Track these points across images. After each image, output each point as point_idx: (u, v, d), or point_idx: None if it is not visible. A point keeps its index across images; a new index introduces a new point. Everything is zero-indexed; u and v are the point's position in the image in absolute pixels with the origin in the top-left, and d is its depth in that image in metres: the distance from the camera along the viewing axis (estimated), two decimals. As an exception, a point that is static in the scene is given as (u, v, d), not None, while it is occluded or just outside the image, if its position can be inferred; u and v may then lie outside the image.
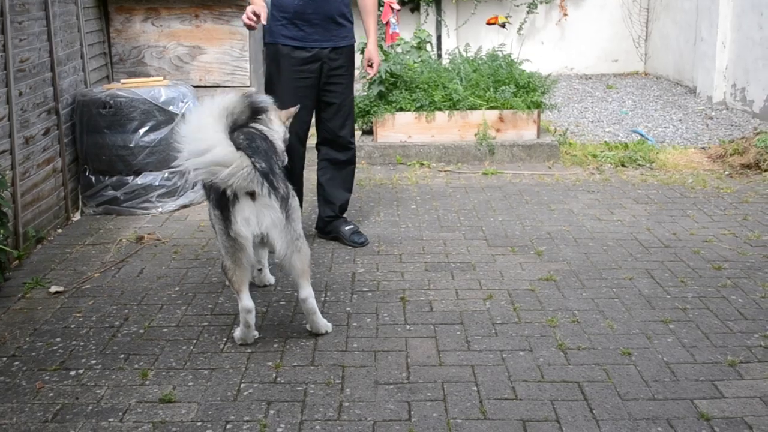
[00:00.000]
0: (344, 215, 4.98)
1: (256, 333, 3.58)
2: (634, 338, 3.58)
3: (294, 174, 4.59)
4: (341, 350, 3.51)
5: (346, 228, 4.88)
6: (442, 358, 3.42)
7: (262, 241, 3.46)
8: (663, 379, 3.23)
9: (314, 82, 4.58)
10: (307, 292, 3.55)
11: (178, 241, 4.99)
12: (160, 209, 5.58)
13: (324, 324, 3.66)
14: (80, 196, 5.68)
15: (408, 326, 3.73)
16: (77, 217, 5.58)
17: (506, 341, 3.57)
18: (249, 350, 3.52)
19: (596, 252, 4.67)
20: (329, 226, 4.93)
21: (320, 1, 4.46)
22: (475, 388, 3.17)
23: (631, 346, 3.50)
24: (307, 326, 3.66)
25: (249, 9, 4.26)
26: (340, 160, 4.85)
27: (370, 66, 4.84)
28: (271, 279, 4.28)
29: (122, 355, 3.50)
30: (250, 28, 4.28)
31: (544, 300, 4.00)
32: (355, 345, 3.56)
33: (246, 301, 3.46)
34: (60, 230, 5.28)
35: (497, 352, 3.46)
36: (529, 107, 6.90)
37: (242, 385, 3.23)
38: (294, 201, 3.50)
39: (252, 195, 3.31)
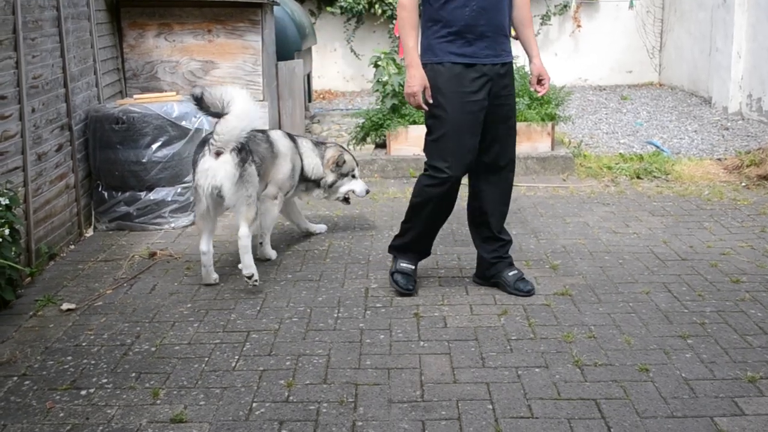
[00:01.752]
0: (509, 255, 4.30)
1: (215, 276, 4.46)
2: (652, 354, 3.51)
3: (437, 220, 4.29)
4: (354, 368, 3.46)
5: (510, 274, 4.20)
6: (456, 376, 3.36)
7: (220, 195, 4.24)
8: (682, 395, 3.17)
9: (485, 104, 3.93)
10: (243, 231, 4.28)
11: (191, 257, 4.96)
12: (172, 225, 5.57)
13: (250, 263, 4.28)
14: (93, 212, 5.67)
15: (422, 342, 3.68)
16: (90, 233, 5.57)
17: (521, 358, 3.51)
18: (261, 368, 3.48)
19: (612, 266, 4.60)
20: (492, 269, 4.24)
21: (491, 11, 3.83)
22: (491, 407, 3.12)
23: (649, 362, 3.44)
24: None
25: (416, 84, 3.90)
26: (499, 165, 4.15)
27: (540, 83, 4.13)
28: (272, 254, 4.85)
29: (133, 374, 3.47)
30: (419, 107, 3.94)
31: (560, 315, 3.94)
32: (368, 362, 3.51)
33: (202, 245, 4.39)
34: (73, 246, 5.26)
35: (512, 369, 3.40)
36: (543, 119, 6.85)
37: (254, 404, 3.19)
38: (252, 169, 4.34)
39: (218, 154, 4.21)
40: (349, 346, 3.66)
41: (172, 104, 5.54)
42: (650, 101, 10.00)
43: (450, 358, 3.53)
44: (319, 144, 5.20)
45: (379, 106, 7.07)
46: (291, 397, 3.23)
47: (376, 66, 6.80)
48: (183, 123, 5.52)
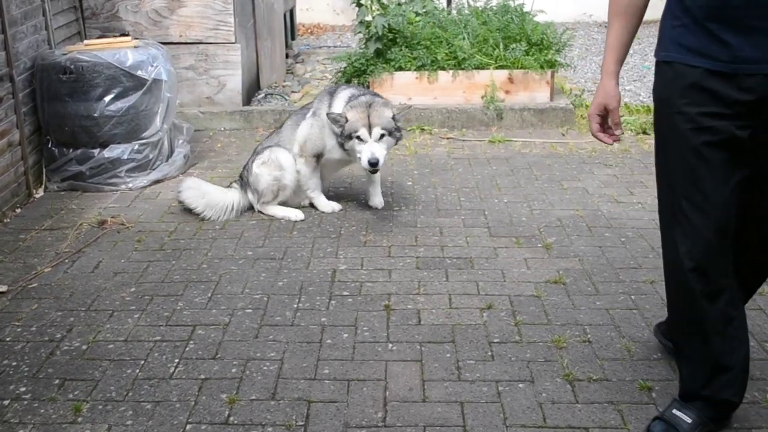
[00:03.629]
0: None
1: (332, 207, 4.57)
2: (656, 367, 3.02)
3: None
4: (309, 378, 2.98)
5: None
6: (426, 391, 2.88)
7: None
8: (689, 424, 2.67)
9: (743, 138, 2.35)
10: None
11: (144, 225, 4.45)
12: (129, 185, 5.04)
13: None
14: (44, 170, 5.12)
15: (390, 345, 3.19)
16: (40, 193, 5.04)
17: (504, 368, 3.02)
18: (202, 376, 3.00)
19: (613, 245, 4.08)
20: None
21: None
22: (464, 436, 2.64)
23: (652, 377, 2.95)
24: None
25: (594, 102, 2.65)
26: None
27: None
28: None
29: (57, 381, 3.00)
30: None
31: (551, 310, 3.44)
32: (326, 370, 3.02)
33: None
34: (19, 210, 4.75)
35: (492, 384, 2.92)
36: (542, 67, 6.24)
37: (188, 426, 2.72)
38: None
39: None
40: (306, 348, 3.17)
41: (126, 51, 4.94)
42: (659, 41, 9.32)
43: (421, 366, 3.05)
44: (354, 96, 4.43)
45: (361, 50, 6.42)
46: (231, 418, 2.76)
47: (359, 5, 6.14)
48: (138, 73, 4.93)
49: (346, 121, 4.19)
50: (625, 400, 2.82)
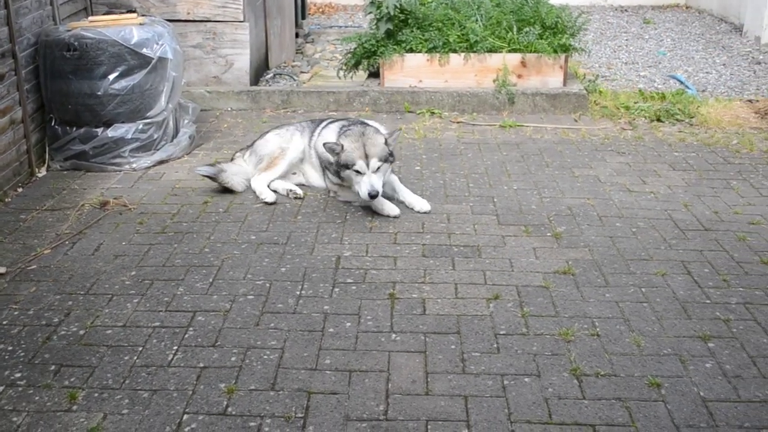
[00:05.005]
0: None
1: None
2: (666, 362, 2.94)
3: None
4: (310, 368, 2.92)
5: None
6: (430, 384, 2.81)
7: None
8: (699, 423, 2.62)
9: None
10: None
11: (147, 207, 4.38)
12: (133, 165, 4.97)
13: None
14: (47, 149, 5.06)
15: (394, 335, 3.12)
16: (43, 172, 4.98)
17: (510, 361, 2.95)
18: (201, 364, 2.94)
19: (624, 235, 3.99)
20: None
21: None
22: (466, 431, 2.57)
23: (661, 373, 2.87)
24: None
25: None
26: None
27: None
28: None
29: (53, 367, 2.94)
30: None
31: (559, 302, 3.36)
32: (327, 360, 2.96)
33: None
34: (21, 189, 4.69)
35: (497, 378, 2.85)
36: (555, 51, 6.13)
37: (185, 416, 2.66)
38: None
39: None
40: (308, 337, 3.11)
41: (131, 29, 4.86)
42: (675, 26, 9.16)
43: (425, 358, 2.98)
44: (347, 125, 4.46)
45: (372, 31, 6.31)
46: (230, 408, 2.70)
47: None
48: (144, 51, 4.85)
49: (342, 149, 4.14)
50: (633, 397, 2.75)
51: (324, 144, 4.24)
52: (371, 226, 4.13)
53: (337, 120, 4.59)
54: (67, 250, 3.89)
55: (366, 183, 4.08)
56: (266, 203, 4.36)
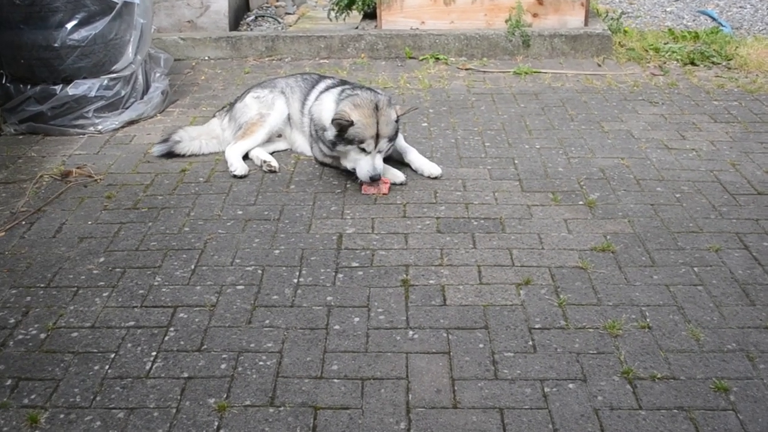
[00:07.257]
0: None
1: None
2: (731, 360, 2.66)
3: None
4: (315, 376, 2.63)
5: None
6: (458, 394, 2.53)
7: None
8: (779, 438, 2.33)
9: None
10: None
11: (116, 178, 4.06)
12: (99, 127, 4.64)
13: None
14: (0, 110, 4.70)
15: (411, 332, 2.83)
16: (-5, 137, 4.63)
17: (549, 362, 2.66)
18: (185, 374, 2.65)
19: (667, 203, 3.70)
20: None
21: None
22: (505, 454, 2.30)
23: (728, 374, 2.60)
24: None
25: None
26: None
27: None
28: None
29: (9, 381, 2.65)
30: None
31: (601, 286, 3.07)
32: (335, 366, 2.67)
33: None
34: (-30, 157, 4.34)
35: (536, 384, 2.57)
36: (575, -14, 5.74)
37: (169, 442, 2.37)
38: None
39: None
40: (309, 337, 2.81)
41: (90, -31, 4.46)
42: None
43: (449, 360, 2.69)
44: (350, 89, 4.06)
45: (367, -34, 5.91)
46: (222, 430, 2.41)
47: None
48: (106, -6, 4.46)
49: (351, 124, 3.75)
50: (697, 405, 2.48)
51: (333, 120, 3.80)
52: (376, 196, 3.82)
53: (337, 85, 4.16)
54: (23, 232, 3.57)
55: (368, 163, 3.77)
56: (234, 176, 4.00)
